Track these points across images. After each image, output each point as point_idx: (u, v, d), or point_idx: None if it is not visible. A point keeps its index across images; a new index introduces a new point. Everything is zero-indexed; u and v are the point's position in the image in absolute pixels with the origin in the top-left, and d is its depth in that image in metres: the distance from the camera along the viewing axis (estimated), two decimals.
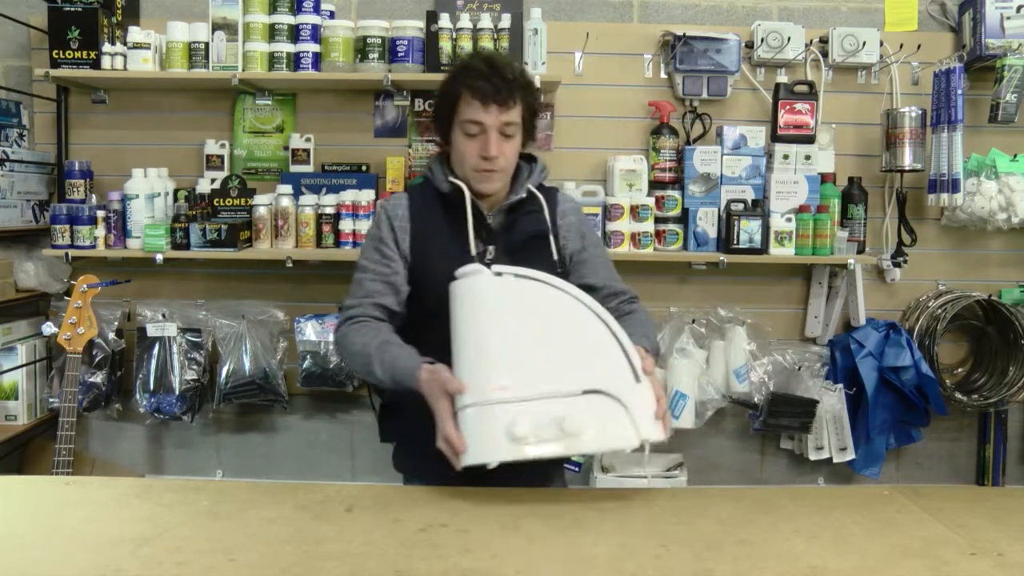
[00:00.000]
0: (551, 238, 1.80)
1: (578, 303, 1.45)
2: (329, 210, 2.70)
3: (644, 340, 1.63)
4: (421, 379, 1.52)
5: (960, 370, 2.96)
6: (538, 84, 2.61)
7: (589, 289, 1.77)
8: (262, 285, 2.89)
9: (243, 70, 2.65)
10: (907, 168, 2.72)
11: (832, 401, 2.77)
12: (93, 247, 2.65)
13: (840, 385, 2.79)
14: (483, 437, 1.38)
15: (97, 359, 2.74)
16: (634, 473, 2.76)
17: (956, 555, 1.29)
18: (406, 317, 1.79)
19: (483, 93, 1.69)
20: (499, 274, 1.46)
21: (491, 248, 1.77)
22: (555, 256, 1.79)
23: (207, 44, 2.66)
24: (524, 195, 1.79)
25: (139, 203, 2.65)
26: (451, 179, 1.77)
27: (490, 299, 1.45)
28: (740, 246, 2.67)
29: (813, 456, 2.83)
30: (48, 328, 2.56)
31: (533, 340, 1.41)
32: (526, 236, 1.79)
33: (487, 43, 2.62)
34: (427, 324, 1.71)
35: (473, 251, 1.74)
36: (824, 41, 2.82)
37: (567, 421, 1.35)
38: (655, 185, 2.77)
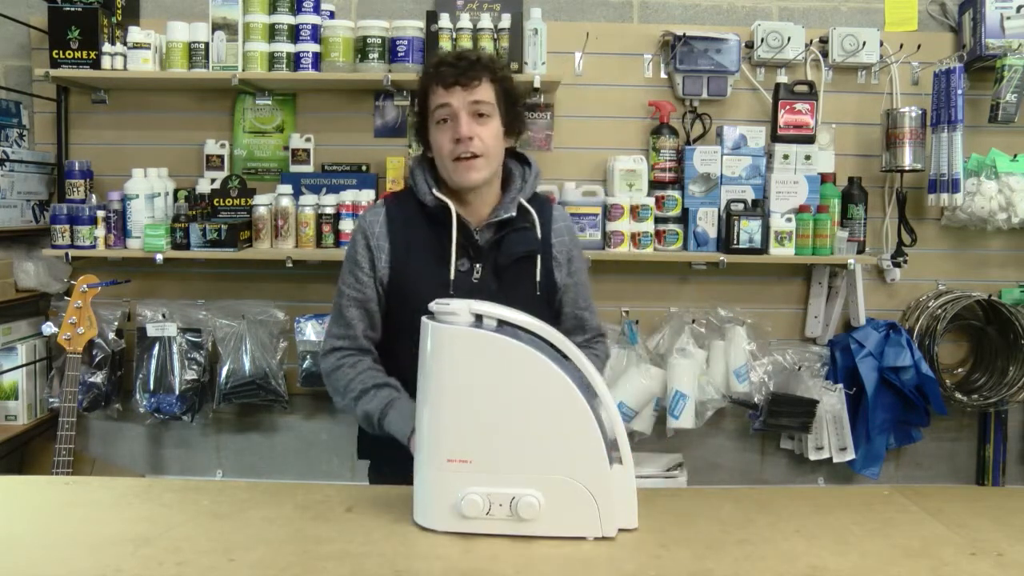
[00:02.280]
0: (538, 259, 1.74)
1: (562, 366, 1.31)
2: (329, 210, 2.70)
3: None
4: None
5: (960, 370, 2.96)
6: (538, 84, 2.63)
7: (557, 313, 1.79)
8: (262, 285, 2.89)
9: (243, 70, 2.65)
10: (907, 168, 2.72)
11: (832, 401, 2.77)
12: (93, 247, 2.65)
13: (840, 385, 2.79)
14: (431, 502, 1.35)
15: (97, 359, 2.74)
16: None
17: (956, 555, 1.29)
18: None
19: (446, 76, 1.67)
20: (479, 317, 1.32)
21: (478, 267, 1.71)
22: (538, 278, 1.74)
23: (207, 44, 2.66)
24: (515, 213, 1.73)
25: (139, 203, 2.65)
26: (436, 193, 1.71)
27: (463, 356, 1.32)
28: (740, 246, 2.67)
29: (813, 456, 2.83)
30: (48, 328, 2.56)
31: (502, 409, 1.31)
32: (515, 256, 1.73)
33: (487, 43, 2.62)
34: (399, 342, 1.69)
35: (452, 275, 1.69)
36: (824, 41, 2.81)
37: (521, 505, 1.30)
38: (655, 185, 2.77)
